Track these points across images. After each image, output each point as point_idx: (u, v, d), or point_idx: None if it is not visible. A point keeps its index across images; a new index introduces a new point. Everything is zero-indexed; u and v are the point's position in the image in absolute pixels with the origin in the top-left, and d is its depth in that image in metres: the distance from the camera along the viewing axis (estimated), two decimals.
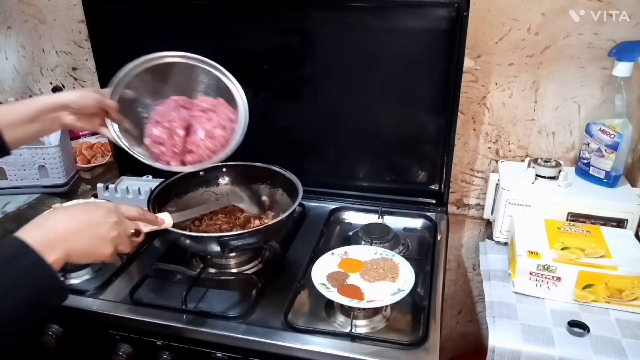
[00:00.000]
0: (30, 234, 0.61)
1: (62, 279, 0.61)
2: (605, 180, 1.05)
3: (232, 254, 1.01)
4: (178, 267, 0.99)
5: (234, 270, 1.02)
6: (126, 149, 0.87)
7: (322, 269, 0.93)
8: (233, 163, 1.11)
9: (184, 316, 0.88)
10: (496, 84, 1.15)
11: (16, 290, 0.57)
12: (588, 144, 1.06)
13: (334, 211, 1.22)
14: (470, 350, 1.51)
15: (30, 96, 1.36)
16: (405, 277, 0.90)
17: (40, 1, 1.37)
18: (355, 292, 0.88)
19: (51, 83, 1.46)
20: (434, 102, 1.13)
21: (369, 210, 1.22)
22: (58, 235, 0.62)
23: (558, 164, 1.08)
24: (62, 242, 0.62)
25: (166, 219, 0.84)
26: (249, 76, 1.23)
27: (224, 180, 1.16)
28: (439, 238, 1.12)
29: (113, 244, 0.69)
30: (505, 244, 1.08)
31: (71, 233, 0.64)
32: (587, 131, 1.06)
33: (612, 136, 1.01)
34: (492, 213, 1.16)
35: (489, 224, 1.20)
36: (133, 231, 0.74)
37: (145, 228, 0.78)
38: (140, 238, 0.76)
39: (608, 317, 0.87)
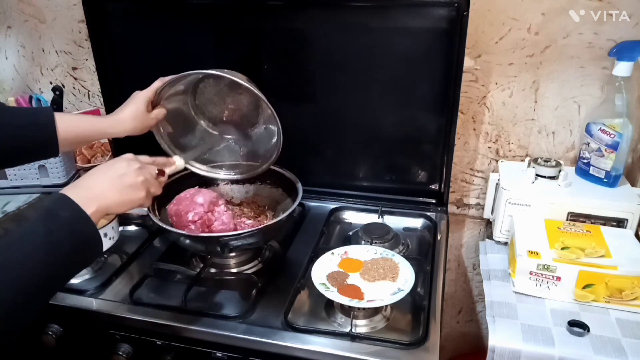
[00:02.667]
0: (69, 192, 0.65)
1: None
2: (605, 180, 1.05)
3: (232, 254, 1.01)
4: (178, 267, 0.99)
5: (234, 270, 1.02)
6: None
7: (322, 269, 0.93)
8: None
9: (184, 316, 0.88)
10: (496, 83, 1.15)
11: (57, 239, 0.60)
12: (588, 144, 1.06)
13: (334, 211, 1.22)
14: (470, 350, 1.51)
15: (31, 97, 1.36)
16: (405, 277, 0.90)
17: (40, 1, 1.37)
18: (355, 291, 0.88)
19: (51, 83, 1.46)
20: (434, 101, 1.13)
21: (369, 210, 1.22)
22: (93, 193, 0.67)
23: (558, 164, 1.08)
24: (97, 198, 0.67)
25: (177, 161, 0.89)
26: (248, 76, 1.23)
27: (223, 181, 1.16)
28: (439, 238, 1.12)
29: (144, 187, 0.74)
30: (505, 243, 1.08)
31: (104, 189, 0.69)
32: (587, 131, 1.06)
33: (612, 136, 1.01)
34: (492, 213, 1.16)
35: (489, 223, 1.20)
36: (157, 172, 0.79)
37: (167, 169, 0.85)
38: (165, 178, 0.83)
39: (608, 316, 0.87)
